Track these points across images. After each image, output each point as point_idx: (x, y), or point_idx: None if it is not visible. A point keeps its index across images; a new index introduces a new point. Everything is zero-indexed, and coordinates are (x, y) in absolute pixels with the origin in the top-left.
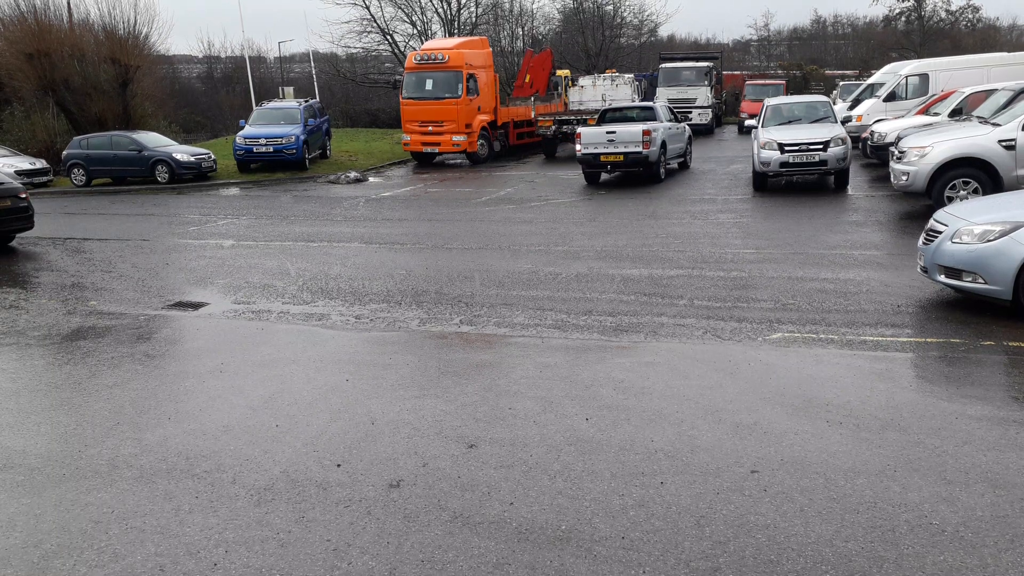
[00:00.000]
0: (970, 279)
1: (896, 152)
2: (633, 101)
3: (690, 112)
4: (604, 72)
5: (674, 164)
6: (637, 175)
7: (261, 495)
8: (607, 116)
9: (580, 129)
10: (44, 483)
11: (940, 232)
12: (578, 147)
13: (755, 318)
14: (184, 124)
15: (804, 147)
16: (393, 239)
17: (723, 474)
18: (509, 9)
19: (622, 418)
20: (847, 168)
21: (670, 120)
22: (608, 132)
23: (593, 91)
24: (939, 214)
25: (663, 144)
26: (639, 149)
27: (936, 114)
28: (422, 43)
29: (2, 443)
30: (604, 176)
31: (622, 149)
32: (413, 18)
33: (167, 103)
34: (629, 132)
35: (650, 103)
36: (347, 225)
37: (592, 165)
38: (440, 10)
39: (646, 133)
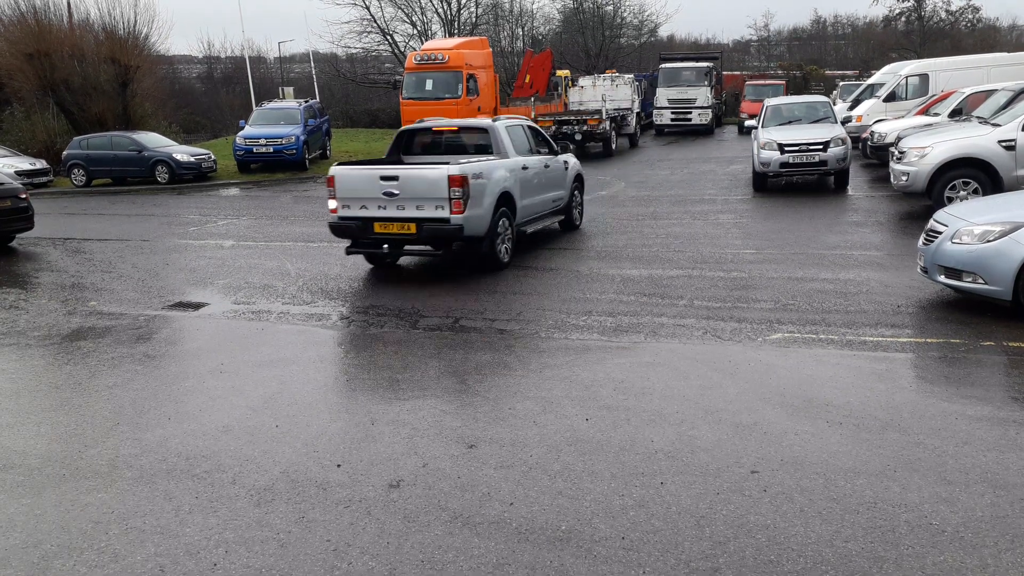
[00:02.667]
0: (970, 279)
1: (896, 152)
2: (633, 101)
3: (690, 112)
4: (604, 72)
5: (546, 224)
6: (456, 257)
7: (261, 495)
8: (413, 141)
9: (333, 170)
10: (44, 483)
11: (940, 232)
12: (331, 204)
13: (755, 318)
14: (184, 124)
15: (804, 147)
16: None
17: (723, 474)
18: (509, 9)
19: (622, 418)
20: (847, 168)
21: (530, 152)
22: (385, 178)
23: (593, 91)
24: (939, 214)
25: (502, 200)
26: (444, 213)
27: (936, 114)
28: (422, 43)
29: (2, 443)
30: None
31: (412, 213)
32: (413, 18)
33: (167, 103)
34: (422, 179)
35: (485, 123)
36: None
37: (359, 241)
38: (440, 10)
39: (456, 182)
